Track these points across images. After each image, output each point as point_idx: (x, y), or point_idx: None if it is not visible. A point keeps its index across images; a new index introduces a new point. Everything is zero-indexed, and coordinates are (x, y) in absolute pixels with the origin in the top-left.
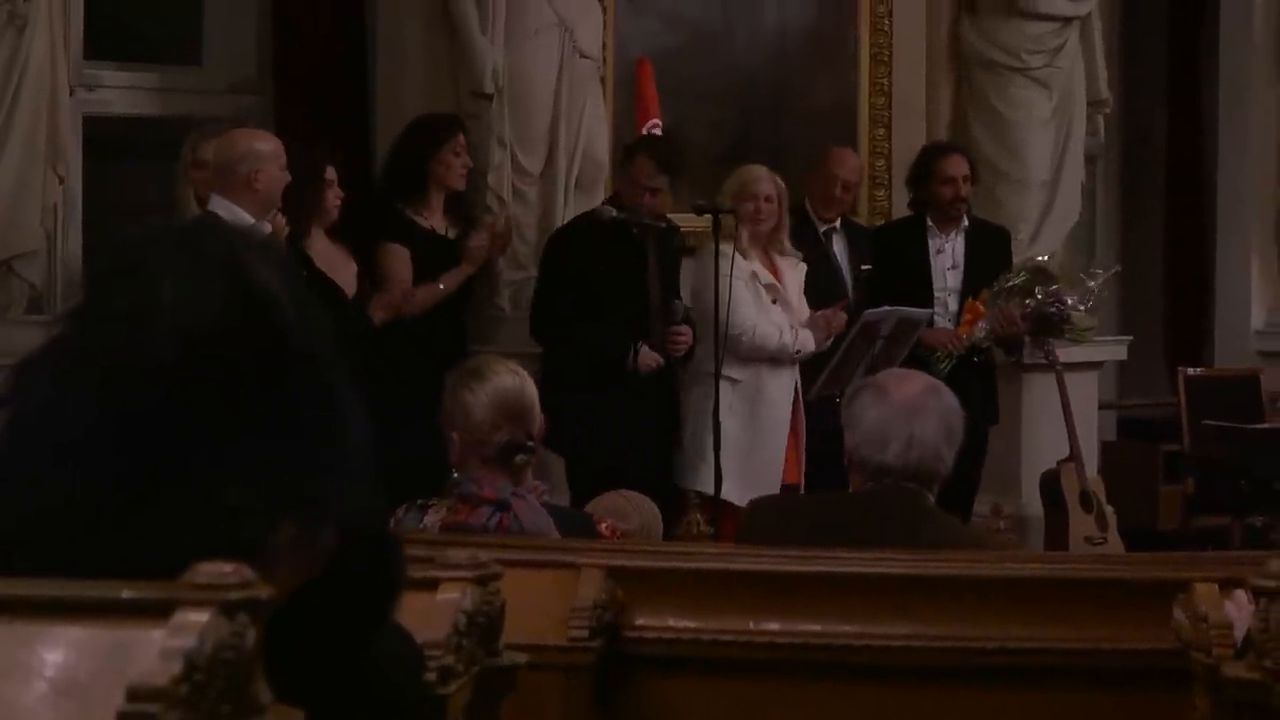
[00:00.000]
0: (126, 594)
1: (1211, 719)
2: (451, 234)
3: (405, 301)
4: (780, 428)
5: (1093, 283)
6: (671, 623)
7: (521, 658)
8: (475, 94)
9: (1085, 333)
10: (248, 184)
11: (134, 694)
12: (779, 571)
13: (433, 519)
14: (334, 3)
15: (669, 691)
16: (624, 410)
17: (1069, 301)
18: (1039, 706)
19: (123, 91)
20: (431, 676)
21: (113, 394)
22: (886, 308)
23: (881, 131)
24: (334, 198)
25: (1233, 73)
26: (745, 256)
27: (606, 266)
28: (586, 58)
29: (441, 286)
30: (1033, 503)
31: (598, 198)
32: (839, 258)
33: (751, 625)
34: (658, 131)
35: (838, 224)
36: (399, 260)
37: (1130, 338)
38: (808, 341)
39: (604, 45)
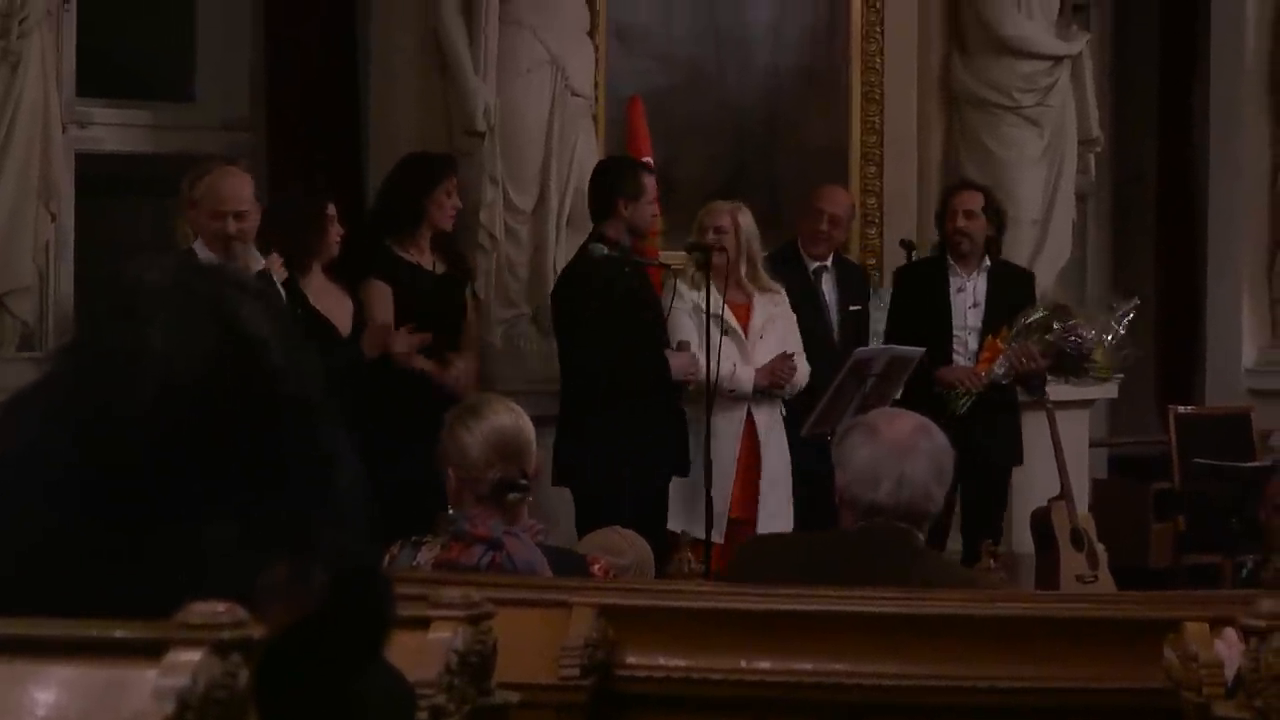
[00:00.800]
0: (119, 633)
1: None
2: (439, 269)
3: (387, 339)
4: (725, 462)
5: (1114, 318)
6: (663, 661)
7: (513, 696)
8: (467, 131)
9: (1108, 370)
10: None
11: None
12: (770, 610)
13: (426, 556)
14: (326, 40)
15: None
16: (636, 448)
17: (1086, 336)
18: None
19: (115, 129)
20: (423, 715)
21: (98, 435)
22: (878, 346)
23: (873, 169)
24: (335, 234)
25: (1223, 112)
26: (693, 286)
27: (622, 301)
28: (578, 96)
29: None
30: (1024, 541)
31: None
32: (827, 296)
33: (743, 664)
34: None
35: (829, 262)
36: (380, 298)
37: (1121, 375)
38: (744, 381)
39: (596, 83)
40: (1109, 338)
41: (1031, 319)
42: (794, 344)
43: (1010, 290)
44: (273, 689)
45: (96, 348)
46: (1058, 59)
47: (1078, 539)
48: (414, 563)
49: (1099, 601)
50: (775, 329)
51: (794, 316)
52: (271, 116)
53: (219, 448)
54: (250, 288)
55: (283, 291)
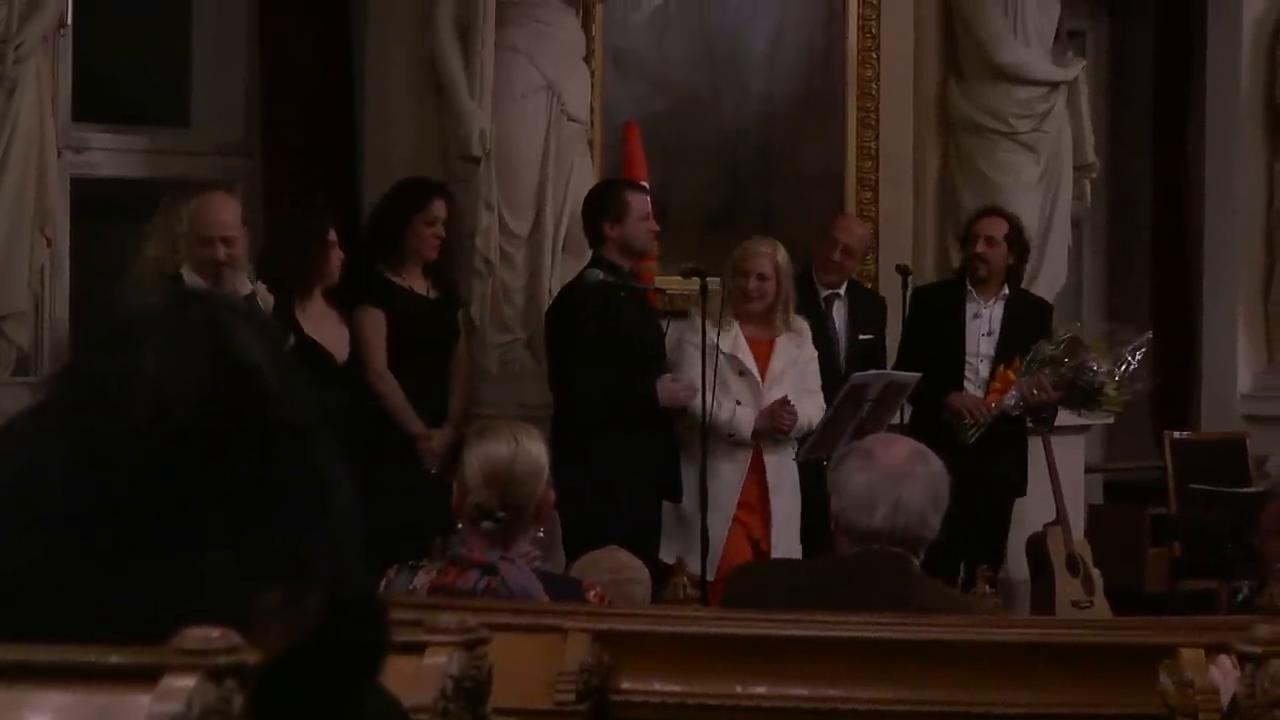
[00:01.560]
0: (114, 659)
1: None
2: (432, 295)
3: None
4: (725, 504)
5: (1126, 351)
6: (658, 686)
7: None
8: (463, 157)
9: (1119, 404)
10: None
11: None
12: (765, 635)
13: (423, 580)
14: (322, 65)
15: None
16: (626, 474)
17: (1098, 370)
18: None
19: (111, 154)
20: None
21: (91, 460)
22: (874, 371)
23: (869, 195)
24: (335, 259)
25: (1218, 137)
26: (720, 327)
27: (613, 327)
28: (574, 121)
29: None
30: (1019, 566)
31: (585, 260)
32: (837, 325)
33: (738, 689)
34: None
35: (842, 290)
36: (374, 325)
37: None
38: (743, 425)
39: (592, 108)
40: (1121, 371)
41: (1046, 353)
42: (813, 384)
43: (1026, 320)
44: (268, 715)
45: (90, 373)
46: (1054, 85)
47: (1073, 564)
48: (410, 586)
49: (1095, 627)
50: (794, 372)
51: (815, 354)
52: (267, 141)
53: (213, 473)
54: (244, 313)
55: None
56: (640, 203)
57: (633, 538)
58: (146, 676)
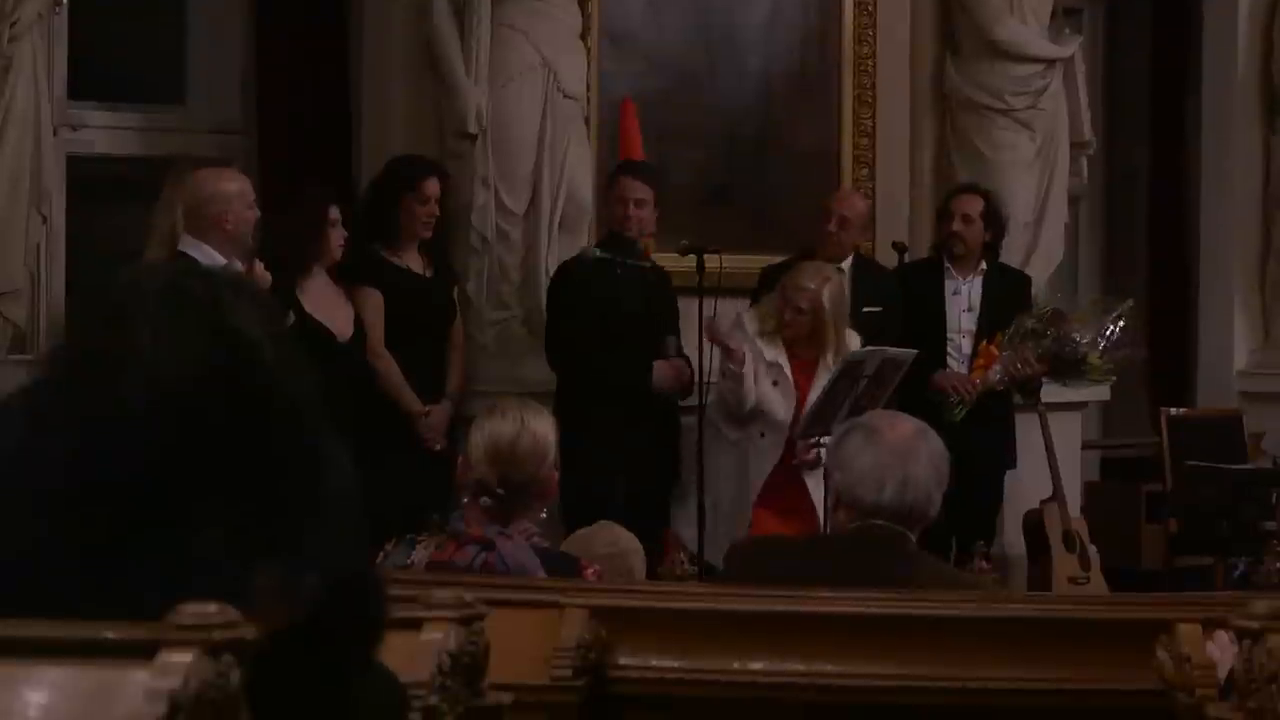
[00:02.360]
0: (111, 635)
1: None
2: (428, 273)
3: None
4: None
5: (1109, 319)
6: (655, 662)
7: (506, 698)
8: (459, 134)
9: (1104, 373)
10: (217, 224)
11: None
12: (763, 611)
13: (421, 555)
14: (318, 44)
15: None
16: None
17: (1080, 340)
18: None
19: (107, 132)
20: (416, 717)
21: (87, 440)
22: (870, 347)
23: (865, 172)
24: (337, 238)
25: (1216, 114)
26: (761, 332)
27: (608, 302)
28: (570, 98)
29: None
30: (1016, 543)
31: (582, 238)
32: None
33: (735, 665)
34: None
35: (847, 265)
36: (371, 305)
37: (1113, 378)
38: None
39: (587, 86)
40: (1103, 340)
41: (1027, 326)
42: None
43: (1006, 294)
44: (266, 691)
45: (86, 351)
46: (1050, 62)
47: (1070, 541)
48: (408, 561)
49: (1091, 603)
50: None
51: None
52: (263, 119)
53: (210, 451)
54: (246, 291)
55: None
56: (622, 185)
57: (632, 516)
58: (143, 652)
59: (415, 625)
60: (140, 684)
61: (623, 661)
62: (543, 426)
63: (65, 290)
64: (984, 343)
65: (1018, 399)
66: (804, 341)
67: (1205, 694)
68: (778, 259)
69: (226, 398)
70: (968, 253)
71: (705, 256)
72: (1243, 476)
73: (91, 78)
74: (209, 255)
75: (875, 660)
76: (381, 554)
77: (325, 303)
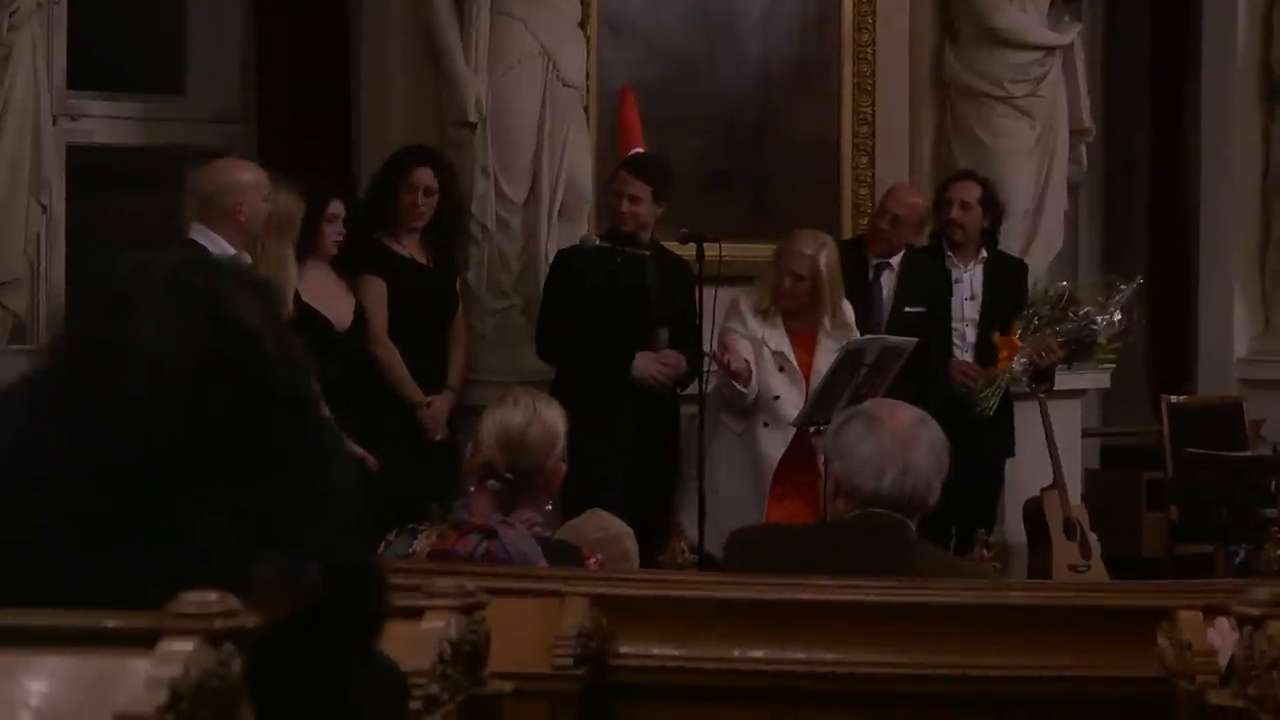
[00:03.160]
0: (112, 623)
1: None
2: (430, 262)
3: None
4: (763, 481)
5: (1117, 297)
6: (656, 651)
7: (506, 686)
8: (459, 123)
9: (1109, 352)
10: (231, 215)
11: None
12: (763, 599)
13: (422, 544)
14: (318, 32)
15: (653, 719)
16: (623, 435)
17: (1100, 322)
18: None
19: (106, 121)
20: (416, 705)
21: (88, 429)
22: (869, 336)
23: (865, 160)
24: (333, 233)
25: (1215, 101)
26: (757, 312)
27: (603, 291)
28: (569, 87)
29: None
30: (1016, 531)
31: (581, 226)
32: (884, 296)
33: (736, 653)
34: None
35: (894, 261)
36: (373, 293)
37: (1113, 365)
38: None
39: (587, 74)
40: (1118, 321)
41: (1043, 313)
42: None
43: (1006, 282)
44: (266, 680)
45: (88, 340)
46: (1049, 49)
47: (1070, 529)
48: (410, 550)
49: (1092, 591)
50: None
51: None
52: (262, 108)
53: (210, 440)
54: (247, 281)
55: None
56: (620, 179)
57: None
58: (144, 641)
59: (417, 614)
60: (141, 672)
61: (623, 650)
62: (554, 417)
63: (65, 280)
64: (999, 334)
65: (1029, 387)
66: (803, 312)
67: (1206, 681)
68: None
69: (227, 387)
70: (967, 240)
71: (705, 245)
72: (1243, 464)
73: (91, 67)
74: (219, 245)
75: (875, 648)
76: (383, 544)
77: (324, 292)
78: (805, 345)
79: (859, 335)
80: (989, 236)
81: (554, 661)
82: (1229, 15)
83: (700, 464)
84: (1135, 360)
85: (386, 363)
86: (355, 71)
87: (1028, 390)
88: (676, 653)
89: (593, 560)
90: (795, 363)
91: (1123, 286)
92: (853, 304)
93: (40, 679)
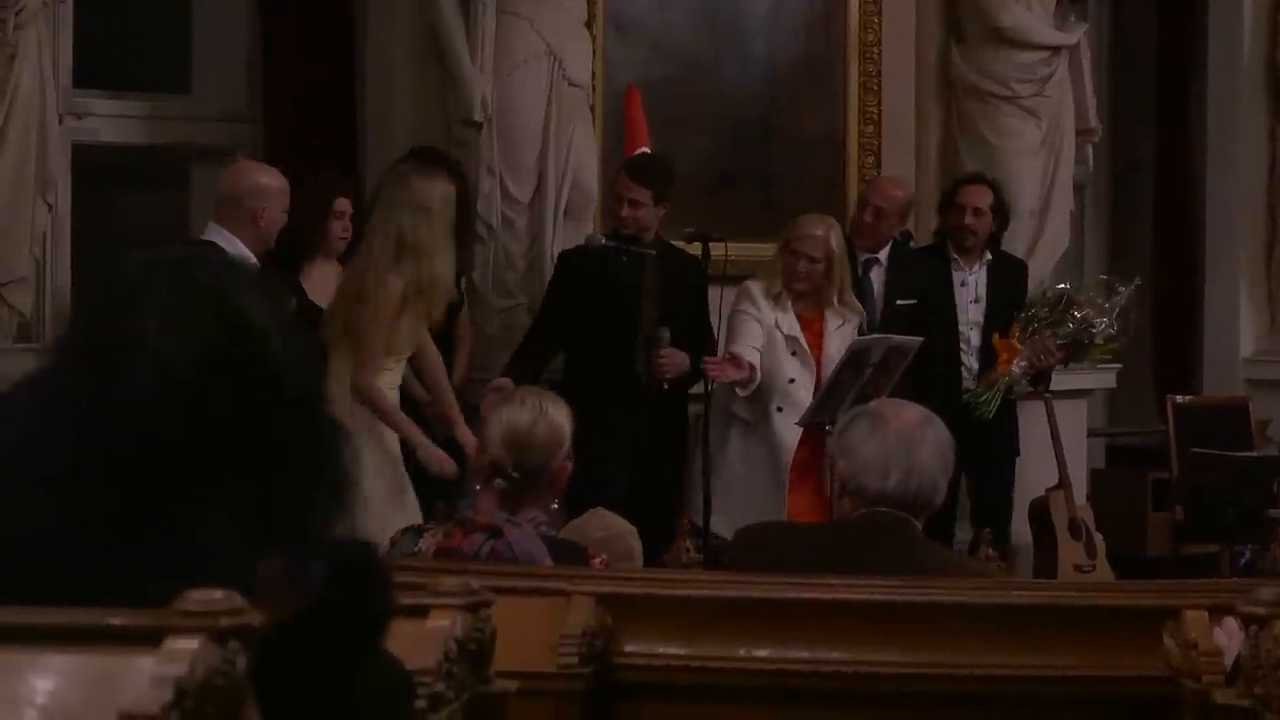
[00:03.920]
0: (117, 621)
1: None
2: None
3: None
4: (778, 473)
5: (1116, 298)
6: (661, 650)
7: (512, 685)
8: (464, 122)
9: (1108, 352)
10: (252, 219)
11: None
12: (768, 598)
13: (428, 543)
14: (323, 31)
15: (658, 718)
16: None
17: (1099, 324)
18: None
19: (112, 120)
20: (422, 703)
21: (93, 427)
22: (875, 335)
23: (871, 160)
24: (341, 230)
25: (1221, 101)
26: (768, 296)
27: (601, 292)
28: (575, 86)
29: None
30: (1021, 530)
31: (587, 225)
32: (874, 291)
33: (741, 652)
34: None
35: (882, 255)
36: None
37: (1119, 365)
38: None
39: (593, 73)
40: (1114, 322)
41: (1041, 315)
42: None
43: (1008, 283)
44: (271, 678)
45: (93, 338)
46: (1055, 49)
47: (1076, 529)
48: (416, 548)
49: (1097, 590)
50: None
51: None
52: (268, 107)
53: (216, 438)
54: (253, 279)
55: None
56: (620, 183)
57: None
58: (149, 639)
59: (422, 612)
60: (146, 670)
61: (629, 649)
62: (560, 416)
63: (70, 279)
64: (997, 336)
65: (1027, 388)
66: (813, 294)
67: (1212, 680)
68: None
69: (233, 385)
70: (976, 244)
71: (711, 244)
72: (1248, 463)
73: (97, 66)
74: (236, 247)
75: (881, 647)
76: (389, 542)
77: (329, 291)
78: (813, 329)
79: (864, 315)
80: (993, 239)
81: (559, 660)
82: (1235, 14)
83: (705, 461)
84: (1140, 360)
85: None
86: (360, 71)
87: (1028, 391)
88: (681, 652)
89: (598, 559)
90: (806, 348)
91: (1121, 289)
92: None
93: (45, 677)
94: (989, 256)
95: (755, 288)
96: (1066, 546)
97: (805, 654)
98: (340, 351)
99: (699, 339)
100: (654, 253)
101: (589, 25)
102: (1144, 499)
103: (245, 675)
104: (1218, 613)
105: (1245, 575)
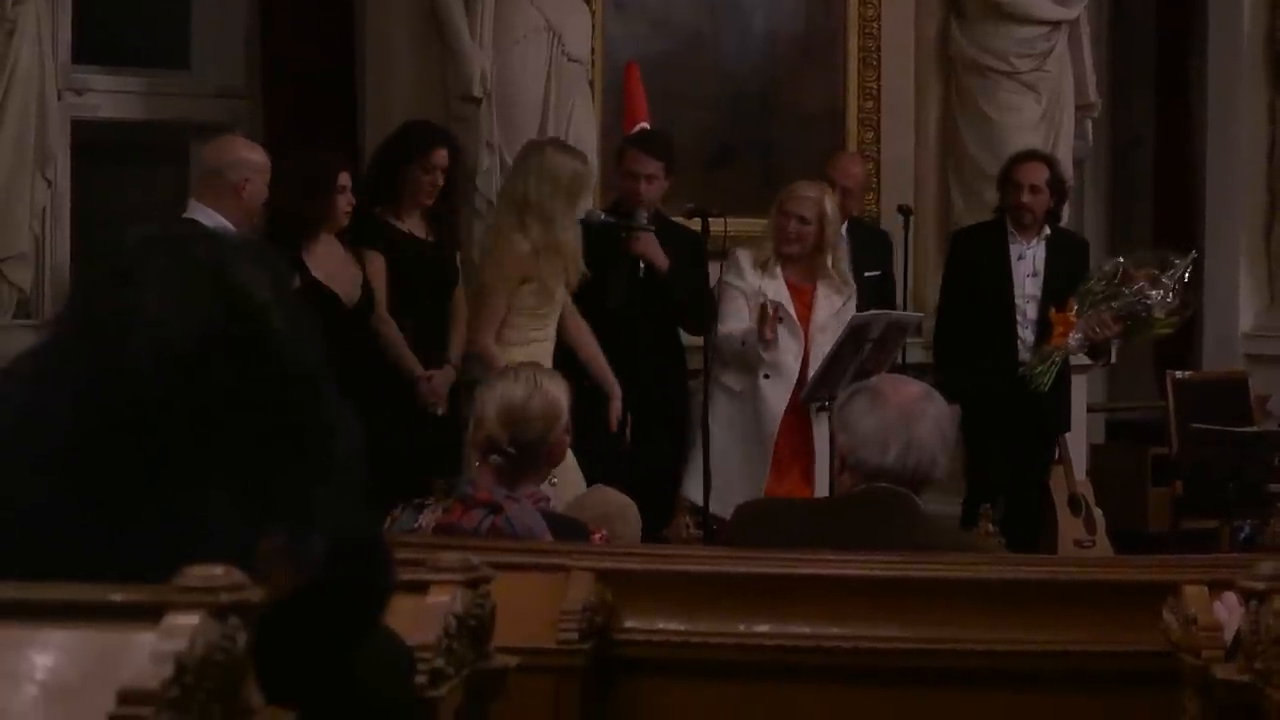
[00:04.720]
0: (117, 597)
1: None
2: (430, 238)
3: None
4: (766, 439)
5: (1172, 270)
6: (661, 625)
7: (511, 660)
8: (464, 98)
9: (1168, 325)
10: (234, 191)
11: (125, 697)
12: (768, 574)
13: (428, 519)
14: (322, 7)
15: (658, 694)
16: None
17: (1154, 296)
18: (1028, 709)
19: (111, 96)
20: (422, 679)
21: (92, 402)
22: (874, 311)
23: (870, 135)
24: (345, 204)
25: (1221, 76)
26: (756, 265)
27: (605, 266)
28: (575, 61)
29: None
30: None
31: (586, 201)
32: (844, 266)
33: (741, 628)
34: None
35: (843, 230)
36: (374, 268)
37: (1119, 341)
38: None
39: (592, 49)
40: (1173, 295)
41: (1099, 289)
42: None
43: (1068, 259)
44: (272, 654)
45: (92, 314)
46: (1055, 24)
47: (1075, 504)
48: (416, 525)
49: (1097, 565)
50: (839, 321)
51: (854, 305)
52: (267, 84)
53: (216, 413)
54: (253, 254)
55: None
56: (634, 159)
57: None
58: (149, 615)
59: (422, 588)
60: (147, 646)
61: (628, 624)
62: (556, 389)
63: (70, 255)
64: (1053, 309)
65: (1085, 360)
66: (804, 259)
67: (1211, 655)
68: None
69: (233, 360)
70: (1035, 220)
71: (710, 219)
72: (1248, 439)
73: (96, 42)
74: (217, 221)
75: (880, 622)
76: (389, 519)
77: (332, 267)
78: (803, 299)
79: (854, 288)
80: (1051, 215)
81: (559, 636)
82: None
83: (705, 433)
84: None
85: (387, 337)
86: (360, 46)
87: (1087, 364)
88: (681, 627)
89: (598, 535)
90: (794, 316)
91: (1176, 261)
92: None
93: (46, 653)
94: (1047, 232)
95: (743, 256)
96: (1066, 522)
97: (805, 629)
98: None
99: (699, 313)
100: (653, 228)
101: (588, 1)
102: (1144, 474)
103: (245, 651)
104: (1217, 587)
105: (1245, 550)
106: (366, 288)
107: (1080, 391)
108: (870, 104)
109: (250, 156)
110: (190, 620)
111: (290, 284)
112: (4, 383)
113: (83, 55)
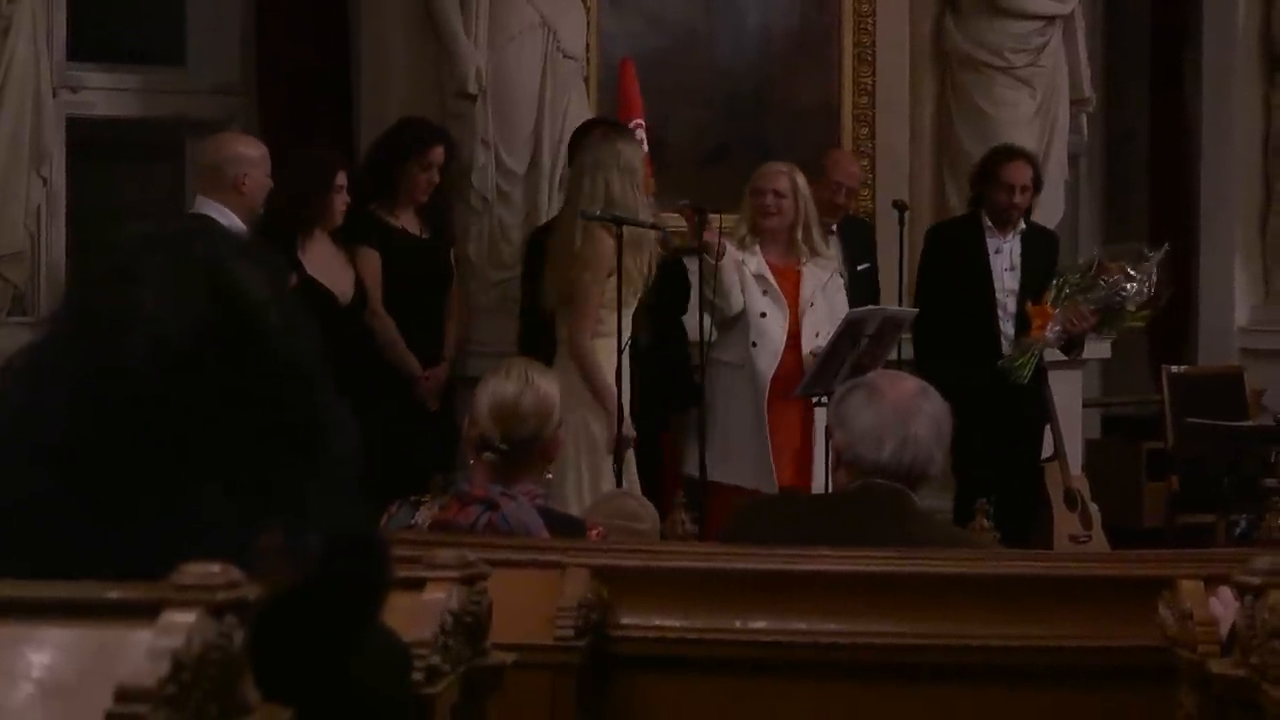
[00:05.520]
0: (114, 595)
1: (1197, 716)
2: (425, 235)
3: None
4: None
5: (1146, 264)
6: (657, 622)
7: (508, 657)
8: (459, 95)
9: (1140, 319)
10: (235, 186)
11: (122, 695)
12: (765, 570)
13: (424, 516)
14: (317, 4)
15: (655, 690)
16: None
17: (1130, 289)
18: (1024, 704)
19: (106, 93)
20: (418, 676)
21: (88, 399)
22: (870, 306)
23: (865, 130)
24: (341, 202)
25: (1216, 70)
26: (741, 246)
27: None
28: (570, 58)
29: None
30: None
31: None
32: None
33: (737, 624)
34: (641, 131)
35: (834, 225)
36: (368, 265)
37: (1114, 335)
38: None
39: (587, 45)
40: (1145, 287)
41: (1075, 281)
42: (843, 311)
43: (1041, 252)
44: (268, 652)
45: (89, 310)
46: (1050, 19)
47: (1071, 499)
48: (412, 521)
49: (1093, 560)
50: (826, 296)
51: (842, 282)
52: (262, 81)
53: (212, 410)
54: (250, 251)
55: None
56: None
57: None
58: (146, 612)
59: (418, 585)
60: (143, 644)
61: (625, 621)
62: (549, 386)
63: (65, 252)
64: (1030, 303)
65: (1059, 356)
66: (783, 234)
67: (1207, 650)
68: None
69: (229, 357)
70: (1017, 219)
71: (706, 215)
72: (1244, 433)
73: (91, 39)
74: (227, 217)
75: (876, 619)
76: (385, 516)
77: (327, 265)
78: (788, 278)
79: (839, 262)
80: (1028, 209)
81: (555, 632)
82: None
83: (702, 415)
84: (1136, 330)
85: (383, 334)
86: (355, 43)
87: (1062, 359)
88: (678, 624)
89: (594, 531)
90: (777, 287)
91: (1150, 254)
92: None
93: (42, 650)
94: (1022, 226)
95: (728, 244)
96: (1062, 517)
97: (801, 625)
98: (561, 318)
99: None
100: (647, 223)
101: None
102: (1139, 469)
103: (242, 649)
104: (1213, 582)
105: (1240, 545)
106: (360, 285)
107: (1075, 387)
108: (865, 100)
109: (246, 151)
110: (187, 618)
111: (287, 282)
112: (0, 379)
113: (78, 52)
